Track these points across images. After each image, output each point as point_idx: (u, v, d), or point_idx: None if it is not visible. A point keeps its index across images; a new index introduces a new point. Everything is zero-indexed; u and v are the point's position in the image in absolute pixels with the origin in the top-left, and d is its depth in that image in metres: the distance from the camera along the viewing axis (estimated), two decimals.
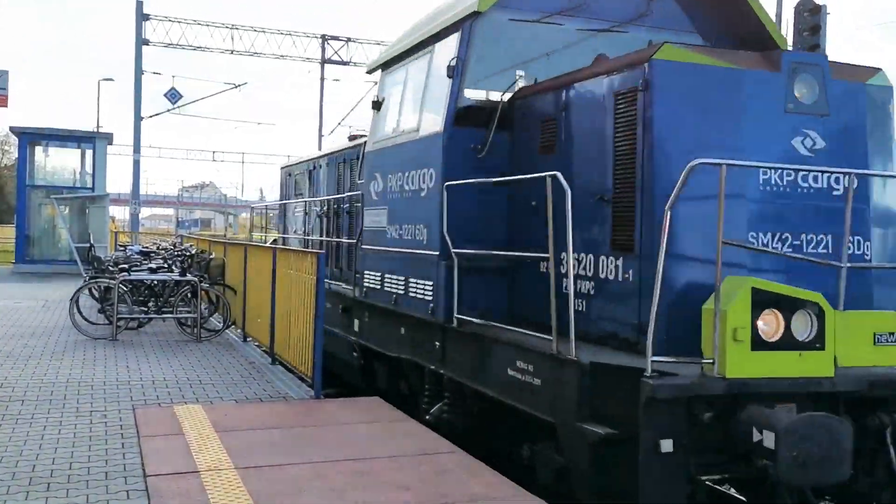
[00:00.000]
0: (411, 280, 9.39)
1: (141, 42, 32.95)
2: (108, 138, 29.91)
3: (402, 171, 9.71)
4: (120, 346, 12.35)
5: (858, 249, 7.10)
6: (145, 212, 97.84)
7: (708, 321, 6.17)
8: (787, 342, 6.12)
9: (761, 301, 6.07)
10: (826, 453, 5.74)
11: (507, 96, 8.89)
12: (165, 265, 15.40)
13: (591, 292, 7.58)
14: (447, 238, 8.44)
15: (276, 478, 6.23)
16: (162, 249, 19.20)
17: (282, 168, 18.88)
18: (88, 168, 28.87)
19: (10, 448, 6.94)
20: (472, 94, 9.05)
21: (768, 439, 5.78)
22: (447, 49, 9.00)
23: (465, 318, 8.29)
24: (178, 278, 14.05)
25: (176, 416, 7.96)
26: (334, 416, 8.41)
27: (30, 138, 28.19)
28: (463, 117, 8.78)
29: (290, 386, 9.86)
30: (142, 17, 32.88)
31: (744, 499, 6.94)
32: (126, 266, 14.84)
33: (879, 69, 7.59)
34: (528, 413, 7.24)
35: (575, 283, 7.74)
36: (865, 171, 7.11)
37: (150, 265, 15.21)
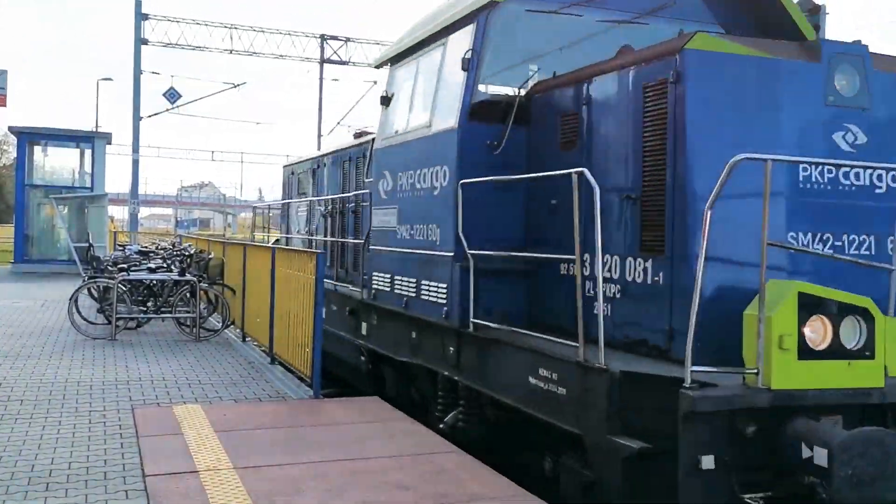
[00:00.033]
0: (423, 282, 8.85)
1: (140, 42, 32.28)
2: (107, 138, 29.34)
3: (414, 168, 9.17)
4: (119, 345, 12.12)
5: None
6: (144, 211, 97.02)
7: (751, 328, 5.65)
8: (835, 350, 5.61)
9: (808, 306, 5.55)
10: (880, 470, 5.23)
11: (524, 90, 8.36)
12: (164, 265, 15.13)
13: (617, 296, 7.06)
14: (462, 238, 7.90)
15: (275, 477, 6.10)
16: (161, 249, 18.97)
17: (284, 167, 18.24)
18: (87, 168, 28.34)
19: (8, 448, 6.80)
20: (488, 89, 8.51)
21: (820, 456, 5.26)
22: (461, 41, 8.46)
23: (481, 322, 7.76)
24: (177, 278, 13.79)
25: (175, 416, 7.81)
26: (333, 416, 8.21)
27: (28, 138, 27.67)
28: (478, 112, 8.25)
29: (289, 386, 9.65)
30: (140, 17, 32.28)
31: None
32: (125, 266, 14.57)
33: None
34: (551, 424, 6.72)
35: (597, 287, 7.23)
36: None
37: (149, 265, 14.91)
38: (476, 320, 7.81)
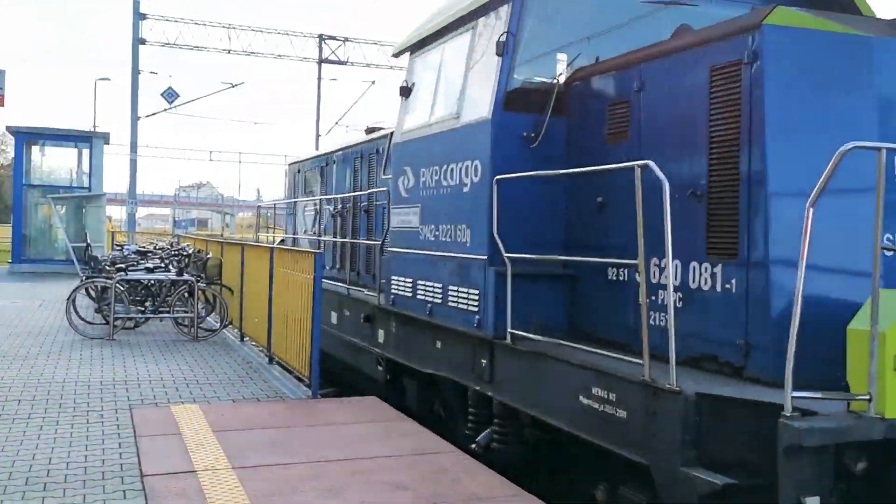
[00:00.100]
0: (451, 288, 7.81)
1: (137, 41, 31.20)
2: (105, 138, 28.44)
3: (439, 164, 8.12)
4: (117, 345, 11.76)
5: None
6: (142, 211, 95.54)
7: (858, 346, 4.63)
8: None
9: None
10: None
11: (564, 77, 7.35)
12: (162, 265, 14.68)
13: (678, 305, 6.04)
14: (498, 240, 6.88)
15: (274, 477, 5.91)
16: (159, 249, 18.56)
17: (290, 164, 16.96)
18: (85, 168, 27.50)
19: (6, 448, 6.59)
20: (523, 76, 7.48)
21: None
22: (495, 23, 7.41)
23: (520, 333, 6.74)
24: (174, 278, 13.35)
25: (173, 416, 7.58)
26: (331, 416, 7.89)
27: (26, 138, 26.87)
28: (513, 101, 7.22)
29: (287, 386, 9.32)
30: (138, 17, 31.22)
31: None
32: (123, 266, 14.14)
33: None
34: (606, 450, 5.71)
35: (654, 294, 6.25)
36: None
37: (147, 265, 14.46)
38: (514, 331, 6.79)
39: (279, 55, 36.49)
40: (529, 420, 6.73)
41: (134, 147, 31.48)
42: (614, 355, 5.78)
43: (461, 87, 7.81)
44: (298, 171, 16.15)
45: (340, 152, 13.41)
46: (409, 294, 8.71)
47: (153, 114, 32.99)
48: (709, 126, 5.81)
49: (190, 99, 35.03)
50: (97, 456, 6.42)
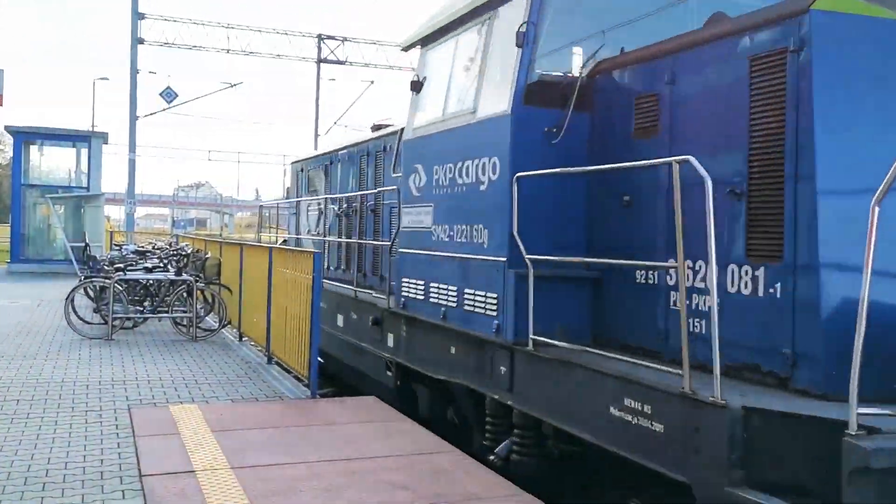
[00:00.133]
0: (467, 291, 7.32)
1: (136, 41, 30.57)
2: (103, 138, 28.08)
3: (454, 161, 7.62)
4: (115, 345, 11.59)
5: None
6: (140, 211, 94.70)
7: None
8: None
9: None
10: None
11: (586, 70, 6.87)
12: (161, 265, 14.46)
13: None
14: (518, 241, 6.40)
15: (272, 477, 5.80)
16: (157, 249, 18.35)
17: (292, 163, 16.33)
18: (84, 167, 27.15)
19: (5, 448, 6.49)
20: (543, 68, 6.99)
21: None
22: (514, 13, 6.90)
23: (542, 339, 6.26)
24: (173, 278, 13.17)
25: (171, 416, 7.45)
26: (330, 416, 7.73)
27: (24, 137, 26.58)
28: (534, 95, 6.73)
29: (286, 385, 9.17)
30: (137, 17, 30.60)
31: None
32: (121, 265, 14.02)
33: None
34: (639, 465, 5.24)
35: (690, 299, 5.77)
36: None
37: (146, 265, 14.24)
38: (537, 337, 6.30)
39: (278, 55, 35.92)
40: (553, 431, 6.24)
41: (133, 147, 30.87)
42: (649, 364, 5.30)
43: (477, 80, 7.32)
44: (301, 170, 15.55)
45: (345, 150, 12.85)
46: (421, 297, 8.20)
47: (152, 113, 32.40)
48: (749, 120, 5.33)
49: (188, 99, 34.19)
50: (96, 456, 6.30)
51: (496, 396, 6.83)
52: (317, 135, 36.65)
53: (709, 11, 6.48)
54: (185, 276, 13.11)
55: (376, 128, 11.95)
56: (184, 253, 15.40)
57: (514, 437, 6.59)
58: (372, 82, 36.87)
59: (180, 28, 33.23)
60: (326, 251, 12.75)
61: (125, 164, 31.19)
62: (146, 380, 9.21)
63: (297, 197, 15.43)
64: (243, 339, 12.48)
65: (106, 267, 14.29)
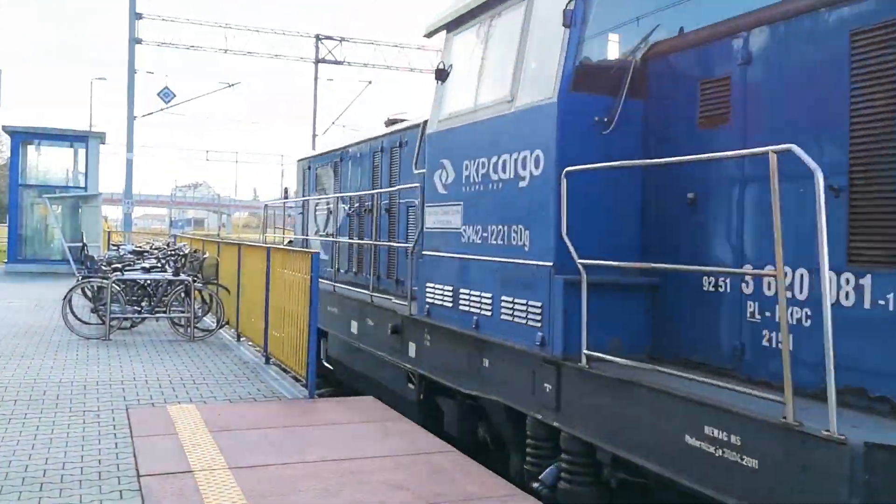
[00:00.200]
0: (504, 298, 6.39)
1: (134, 41, 29.48)
2: (101, 137, 27.09)
3: (487, 155, 6.69)
4: (113, 345, 11.22)
5: None
6: (138, 211, 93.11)
7: None
8: None
9: None
10: None
11: (640, 53, 5.96)
12: (159, 265, 14.07)
13: (805, 324, 4.66)
14: (568, 243, 5.48)
15: (270, 477, 5.61)
16: (155, 249, 17.83)
17: (298, 161, 15.16)
18: (81, 167, 26.27)
19: (2, 448, 6.29)
20: (591, 53, 6.08)
21: None
22: None
23: (597, 354, 5.34)
24: (171, 278, 12.81)
25: (169, 416, 7.22)
26: (328, 416, 7.45)
27: (22, 137, 25.68)
28: (583, 80, 5.80)
29: (284, 385, 8.84)
30: (135, 17, 29.53)
31: None
32: (119, 265, 13.62)
33: None
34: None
35: (770, 310, 4.87)
36: None
37: (144, 265, 13.88)
38: (591, 352, 5.38)
39: (276, 55, 34.89)
40: (610, 459, 5.32)
41: (130, 147, 29.81)
42: (739, 388, 4.39)
43: (515, 66, 6.36)
44: (308, 168, 14.39)
45: (356, 147, 11.81)
46: (449, 304, 7.25)
47: (149, 113, 31.29)
48: (849, 104, 4.43)
49: (186, 98, 33.17)
50: (93, 456, 6.10)
51: (539, 416, 5.90)
52: (314, 135, 35.57)
53: None
54: (182, 277, 12.73)
55: (390, 122, 10.91)
56: (181, 253, 14.97)
57: (563, 464, 5.67)
58: (370, 82, 35.87)
59: (178, 28, 32.21)
60: (337, 253, 11.75)
61: (123, 164, 30.15)
62: (144, 380, 8.89)
63: (304, 196, 14.34)
64: (241, 339, 12.04)
65: (103, 267, 13.79)
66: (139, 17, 29.77)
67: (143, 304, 12.95)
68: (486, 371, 6.64)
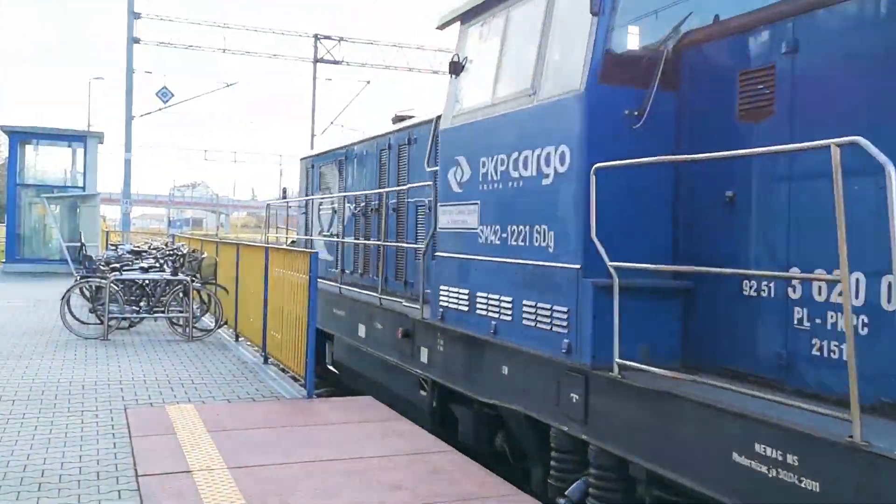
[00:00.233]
0: (526, 303, 5.92)
1: (132, 41, 28.89)
2: (99, 137, 26.61)
3: (507, 151, 6.22)
4: (111, 345, 11.02)
5: None
6: (136, 211, 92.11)
7: None
8: None
9: None
10: None
11: (671, 42, 5.52)
12: (157, 264, 13.82)
13: (864, 332, 4.23)
14: (598, 245, 5.03)
15: (269, 477, 5.49)
16: (154, 249, 17.52)
17: (302, 159, 14.51)
18: (79, 167, 25.80)
19: (0, 448, 6.17)
20: (619, 42, 5.63)
21: None
22: None
23: (631, 363, 4.89)
24: (169, 278, 12.61)
25: (168, 416, 7.10)
26: (327, 416, 7.33)
27: (20, 137, 25.20)
28: (612, 71, 5.36)
29: (282, 386, 8.66)
30: (133, 16, 28.96)
31: None
32: (117, 265, 13.34)
33: None
34: None
35: (821, 316, 4.45)
36: None
37: (142, 264, 13.63)
38: (624, 361, 4.94)
39: (274, 55, 34.37)
40: (644, 475, 4.88)
41: (128, 147, 29.23)
42: (795, 402, 3.96)
43: (537, 56, 5.91)
44: (312, 166, 13.74)
45: (362, 144, 11.29)
46: (465, 308, 6.79)
47: (147, 113, 30.72)
48: None
49: (185, 98, 32.60)
50: (92, 456, 6.00)
51: (565, 428, 5.46)
52: (313, 134, 35.01)
53: None
54: (181, 276, 12.49)
55: (398, 119, 10.37)
56: (180, 253, 14.65)
57: (591, 479, 5.22)
58: (368, 82, 35.29)
59: (177, 28, 31.69)
60: (342, 253, 11.28)
61: (121, 163, 29.54)
62: (142, 380, 8.73)
63: (307, 195, 13.76)
64: (239, 339, 11.77)
65: (102, 267, 13.49)
66: (137, 16, 29.18)
67: (142, 303, 12.74)
68: (505, 379, 6.19)
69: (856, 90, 4.34)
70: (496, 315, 6.27)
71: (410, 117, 9.95)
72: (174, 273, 12.75)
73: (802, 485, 3.74)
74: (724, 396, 4.29)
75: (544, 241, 5.69)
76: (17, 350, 10.40)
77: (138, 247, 18.39)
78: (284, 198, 18.69)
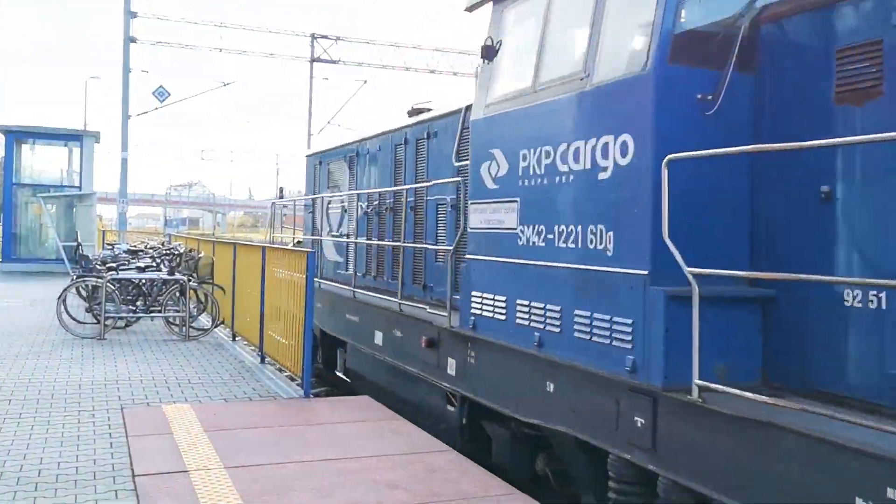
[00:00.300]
0: (578, 313, 5.07)
1: (128, 40, 27.80)
2: (96, 136, 25.54)
3: (553, 142, 5.36)
4: (108, 345, 10.68)
5: None
6: (133, 211, 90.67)
7: None
8: None
9: None
10: None
11: (747, 18, 4.69)
12: (154, 264, 13.32)
13: None
14: (673, 248, 4.21)
15: (266, 477, 5.28)
16: (150, 248, 16.81)
17: (308, 156, 13.47)
18: (76, 166, 24.86)
19: None
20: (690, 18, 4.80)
21: None
22: None
23: (714, 386, 4.06)
24: (166, 277, 12.15)
25: (164, 416, 6.93)
26: (324, 416, 7.13)
27: (16, 136, 24.17)
28: (683, 49, 4.53)
29: (279, 385, 8.38)
30: (129, 15, 27.91)
31: None
32: (114, 265, 12.90)
33: None
34: None
35: None
36: None
37: (139, 264, 13.10)
38: (702, 382, 4.12)
39: (271, 54, 33.27)
40: None
41: (125, 146, 28.22)
42: None
43: (591, 34, 5.06)
44: (320, 163, 12.69)
45: (375, 139, 10.32)
46: (502, 316, 5.92)
47: (144, 112, 29.64)
48: None
49: (181, 98, 31.46)
50: (88, 456, 5.83)
51: (627, 456, 4.63)
52: (310, 134, 34.00)
53: None
54: (177, 276, 12.07)
55: (414, 112, 9.43)
56: (176, 252, 14.15)
57: None
58: (365, 82, 34.31)
59: (173, 27, 30.62)
60: (353, 255, 10.39)
61: (118, 163, 28.50)
62: (139, 379, 8.49)
63: (314, 193, 12.72)
64: (236, 338, 11.41)
65: (98, 266, 13.02)
66: (134, 15, 28.10)
67: (138, 303, 12.32)
68: (550, 396, 5.34)
69: None
70: (540, 325, 5.42)
71: (428, 110, 9.06)
72: (171, 272, 12.33)
73: None
74: (834, 427, 3.48)
75: (601, 242, 4.85)
76: (13, 349, 10.05)
77: (135, 246, 17.62)
78: (281, 197, 17.81)
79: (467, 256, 6.45)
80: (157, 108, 28.68)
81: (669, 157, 4.25)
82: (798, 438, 3.58)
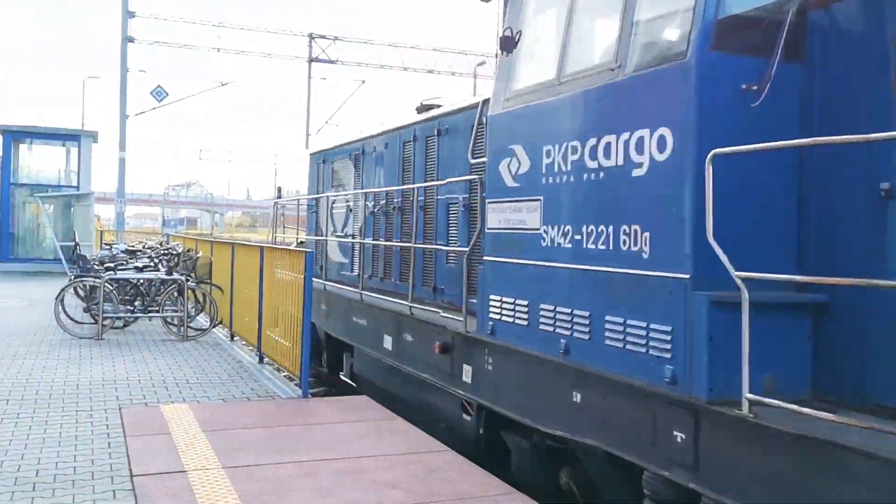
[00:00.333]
0: (610, 319, 4.68)
1: (126, 40, 27.36)
2: (93, 136, 25.22)
3: (580, 137, 4.96)
4: (105, 345, 10.63)
5: None
6: (131, 210, 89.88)
7: None
8: None
9: None
10: None
11: (794, 4, 4.30)
12: (152, 264, 13.13)
13: None
14: (718, 250, 3.81)
15: (264, 477, 5.18)
16: (148, 248, 16.60)
17: (311, 154, 12.97)
18: (73, 166, 24.52)
19: None
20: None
21: None
22: None
23: (765, 400, 3.67)
24: (164, 277, 12.00)
25: (163, 416, 6.88)
26: (322, 416, 7.07)
27: (14, 136, 23.87)
28: (726, 36, 4.15)
29: (277, 385, 8.34)
30: (127, 15, 27.45)
31: None
32: (112, 265, 12.72)
33: None
34: None
35: None
36: None
37: (136, 264, 12.99)
38: (752, 395, 3.73)
39: (269, 54, 32.84)
40: None
41: (123, 146, 27.81)
42: None
43: (622, 21, 4.68)
44: (323, 162, 12.22)
45: (381, 137, 9.90)
46: (523, 321, 5.52)
47: (142, 112, 29.15)
48: None
49: (179, 97, 31.05)
50: (86, 456, 5.80)
51: (666, 473, 4.23)
52: (308, 134, 33.53)
53: None
54: (175, 276, 11.97)
55: (423, 108, 9.00)
56: (174, 252, 14.01)
57: None
58: (363, 81, 33.91)
59: (171, 27, 30.27)
60: (359, 256, 9.95)
61: (116, 163, 28.11)
62: (137, 379, 8.45)
63: (318, 192, 12.25)
64: (234, 338, 11.36)
65: (96, 266, 12.82)
66: (132, 15, 27.67)
67: (136, 303, 12.13)
68: (577, 407, 4.94)
69: None
70: (567, 332, 5.02)
71: (438, 106, 8.65)
72: (169, 272, 12.16)
73: None
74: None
75: (636, 244, 4.45)
76: (11, 349, 9.99)
77: (133, 246, 17.41)
78: (279, 197, 17.40)
79: (485, 258, 6.05)
80: (155, 108, 28.32)
81: (715, 151, 3.86)
82: (869, 461, 3.19)
